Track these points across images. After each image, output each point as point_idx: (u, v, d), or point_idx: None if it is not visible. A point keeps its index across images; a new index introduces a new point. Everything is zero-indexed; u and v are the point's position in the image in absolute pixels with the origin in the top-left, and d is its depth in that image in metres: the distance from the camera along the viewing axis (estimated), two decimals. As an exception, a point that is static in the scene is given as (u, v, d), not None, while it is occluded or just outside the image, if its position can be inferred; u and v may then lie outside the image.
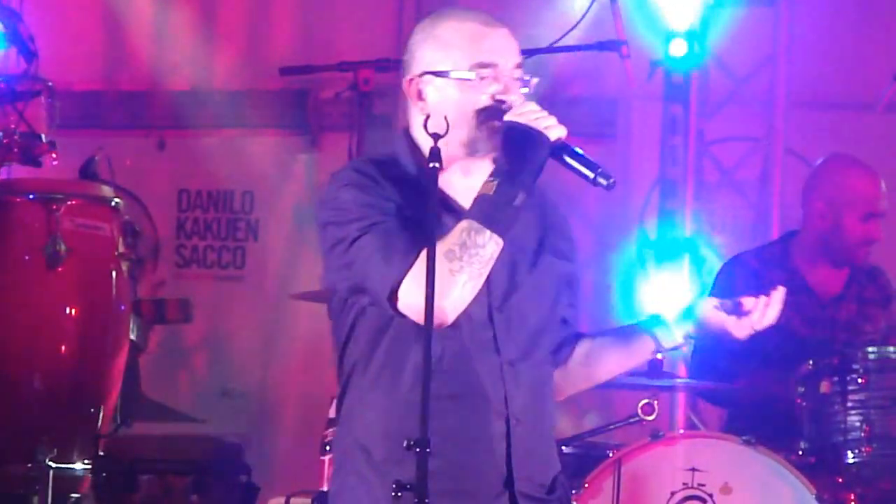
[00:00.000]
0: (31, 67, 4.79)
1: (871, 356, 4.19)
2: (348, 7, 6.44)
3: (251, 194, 6.60)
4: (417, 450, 2.62)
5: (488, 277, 2.70)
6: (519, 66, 2.80)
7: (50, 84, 4.80)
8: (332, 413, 4.19)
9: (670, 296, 5.95)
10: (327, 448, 3.92)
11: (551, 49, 4.32)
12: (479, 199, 2.69)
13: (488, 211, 2.66)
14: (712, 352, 4.70)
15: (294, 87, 6.34)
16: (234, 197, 6.56)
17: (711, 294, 4.80)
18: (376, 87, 4.15)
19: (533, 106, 2.76)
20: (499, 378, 2.73)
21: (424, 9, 6.47)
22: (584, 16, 3.99)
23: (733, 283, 4.74)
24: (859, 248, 4.67)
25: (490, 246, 2.67)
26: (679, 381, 4.34)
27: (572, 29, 4.07)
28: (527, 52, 4.45)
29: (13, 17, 4.91)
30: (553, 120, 2.76)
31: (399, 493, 2.65)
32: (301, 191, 6.55)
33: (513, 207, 2.68)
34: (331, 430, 4.10)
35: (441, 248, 2.63)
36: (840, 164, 4.88)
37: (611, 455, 4.16)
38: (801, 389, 4.24)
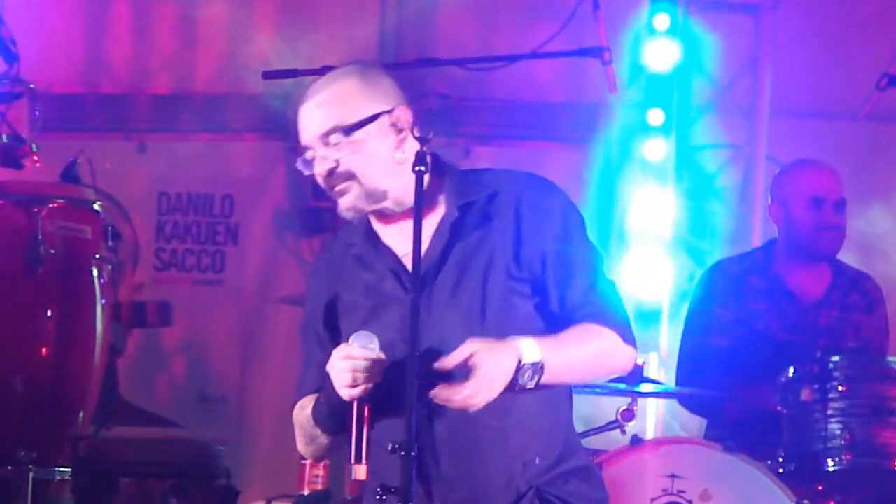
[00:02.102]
0: (13, 70, 4.78)
1: (852, 364, 4.19)
2: (330, 11, 6.43)
3: (231, 198, 6.58)
4: (402, 453, 2.69)
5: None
6: (325, 134, 2.88)
7: (32, 86, 4.79)
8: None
9: (651, 305, 5.98)
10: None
11: (534, 55, 4.34)
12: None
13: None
14: (696, 359, 4.72)
15: (275, 92, 6.33)
16: (214, 200, 6.54)
17: (694, 299, 4.84)
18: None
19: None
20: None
21: (406, 14, 6.49)
22: (567, 23, 3.99)
23: (714, 289, 4.76)
24: (818, 235, 4.66)
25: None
26: (659, 387, 4.34)
27: (555, 36, 4.08)
28: (509, 58, 4.50)
29: (-6, 20, 4.89)
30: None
31: (384, 497, 2.71)
32: (281, 195, 6.54)
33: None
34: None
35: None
36: (788, 165, 4.93)
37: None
38: (782, 397, 4.25)
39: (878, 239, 4.86)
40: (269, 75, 4.26)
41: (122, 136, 6.40)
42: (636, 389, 4.32)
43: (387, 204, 2.90)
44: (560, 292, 2.87)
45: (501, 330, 2.80)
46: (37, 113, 4.75)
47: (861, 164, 5.50)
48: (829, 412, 4.14)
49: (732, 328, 4.67)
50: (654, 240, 6.03)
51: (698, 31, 6.17)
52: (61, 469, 4.39)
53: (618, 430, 4.40)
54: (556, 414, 2.92)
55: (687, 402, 4.94)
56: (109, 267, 4.52)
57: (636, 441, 4.21)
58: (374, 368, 2.76)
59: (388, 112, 2.89)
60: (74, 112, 6.34)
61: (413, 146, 2.87)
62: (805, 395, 4.19)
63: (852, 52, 5.83)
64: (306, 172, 2.93)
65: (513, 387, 2.74)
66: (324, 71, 3.82)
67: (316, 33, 6.37)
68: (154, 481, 4.41)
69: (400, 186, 2.88)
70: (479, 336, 2.76)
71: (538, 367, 2.75)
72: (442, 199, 2.92)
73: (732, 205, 6.29)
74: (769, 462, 4.21)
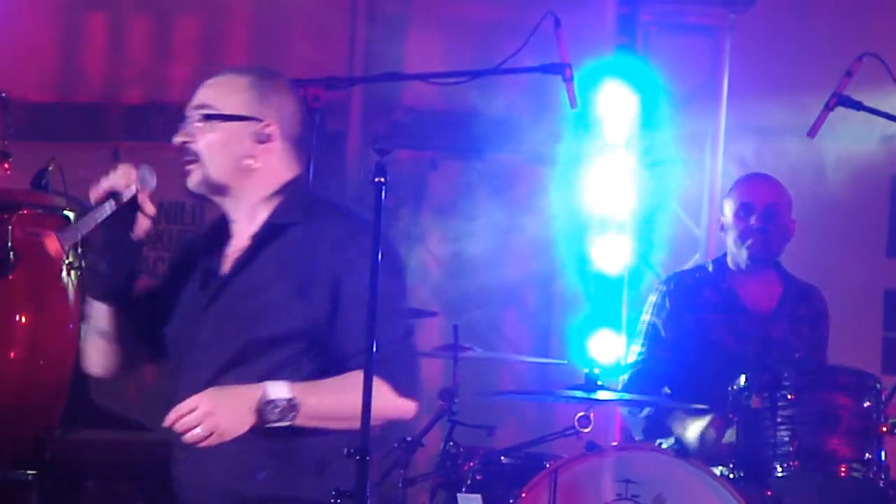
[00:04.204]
0: (-11, 85, 4.79)
1: (801, 373, 4.25)
2: (301, 25, 6.50)
3: (201, 206, 6.64)
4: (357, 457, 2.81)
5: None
6: (196, 107, 3.02)
7: (3, 95, 4.81)
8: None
9: (609, 312, 6.08)
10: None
11: (496, 70, 4.40)
12: None
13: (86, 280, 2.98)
14: (647, 369, 4.80)
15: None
16: (185, 208, 6.61)
17: (646, 310, 4.91)
18: (327, 104, 4.23)
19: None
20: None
21: (376, 26, 6.57)
22: (527, 40, 4.08)
23: (667, 301, 4.84)
24: (743, 241, 4.72)
25: (92, 308, 3.00)
26: (614, 395, 4.41)
27: (516, 53, 4.17)
28: (473, 73, 4.58)
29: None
30: (113, 179, 2.93)
31: (338, 501, 2.81)
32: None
33: (94, 273, 2.96)
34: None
35: None
36: (736, 180, 5.02)
37: (547, 466, 4.23)
38: (733, 405, 4.30)
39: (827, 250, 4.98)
40: None
41: (96, 145, 6.45)
42: (592, 397, 4.39)
43: (227, 202, 3.00)
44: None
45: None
46: (9, 121, 4.78)
47: (809, 179, 5.62)
48: (779, 420, 4.20)
49: (685, 339, 4.75)
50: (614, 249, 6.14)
51: (658, 51, 6.29)
52: (27, 472, 4.40)
53: (576, 436, 4.46)
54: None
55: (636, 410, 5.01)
56: (80, 273, 4.56)
57: (592, 447, 4.27)
58: None
59: (259, 121, 2.98)
60: (47, 121, 6.39)
61: (272, 161, 2.97)
62: (755, 402, 4.25)
63: (805, 72, 5.94)
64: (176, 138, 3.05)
65: (263, 423, 2.82)
66: (293, 84, 3.93)
67: (287, 46, 6.45)
68: (121, 483, 4.44)
69: (240, 189, 2.98)
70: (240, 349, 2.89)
71: (290, 405, 2.82)
72: (265, 213, 3.01)
73: (690, 218, 6.40)
74: (720, 468, 4.28)
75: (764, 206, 4.73)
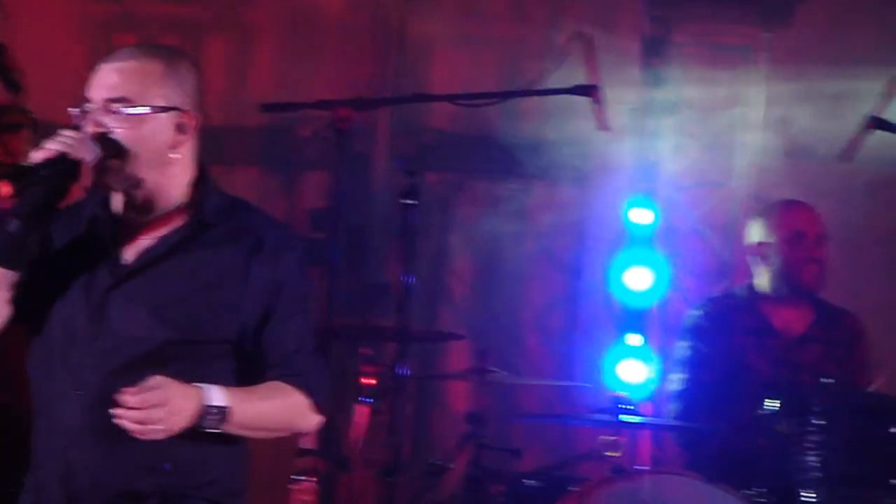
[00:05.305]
0: (17, 99, 4.82)
1: (831, 398, 4.25)
2: (329, 46, 6.53)
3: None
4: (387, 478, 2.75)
5: None
6: (111, 100, 2.84)
7: (34, 117, 4.85)
8: (302, 443, 4.27)
9: (637, 338, 6.06)
10: (296, 478, 3.99)
11: (526, 92, 4.41)
12: None
13: None
14: (686, 394, 4.79)
15: (274, 125, 6.42)
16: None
17: (682, 336, 4.91)
18: (354, 125, 4.24)
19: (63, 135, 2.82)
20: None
21: (408, 47, 6.60)
22: (559, 61, 4.08)
23: (700, 327, 4.84)
24: (801, 268, 4.74)
25: None
26: (643, 419, 4.41)
27: (547, 74, 4.17)
28: (502, 95, 4.60)
29: (0, 49, 4.95)
30: (59, 142, 2.79)
31: None
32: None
33: (6, 234, 2.78)
34: (300, 460, 4.17)
35: None
36: (769, 204, 5.03)
37: (574, 489, 4.24)
38: (762, 429, 4.31)
39: (869, 275, 4.95)
40: (267, 109, 4.34)
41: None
42: (621, 420, 4.39)
43: (136, 194, 2.86)
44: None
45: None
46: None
47: (841, 203, 5.58)
48: (808, 445, 4.20)
49: (718, 364, 4.75)
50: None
51: (691, 71, 6.28)
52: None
53: (602, 460, 4.46)
54: None
55: (676, 436, 4.98)
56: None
57: (619, 471, 4.27)
58: None
59: (179, 111, 2.88)
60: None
61: (188, 152, 2.88)
62: (784, 427, 4.25)
63: (838, 93, 5.92)
64: (75, 122, 2.87)
65: (197, 428, 2.75)
66: (319, 105, 3.94)
67: (315, 68, 6.48)
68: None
69: (156, 183, 2.86)
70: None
71: (224, 412, 2.76)
72: (181, 205, 2.91)
73: (718, 242, 6.38)
74: (749, 493, 4.27)
75: (816, 236, 4.76)
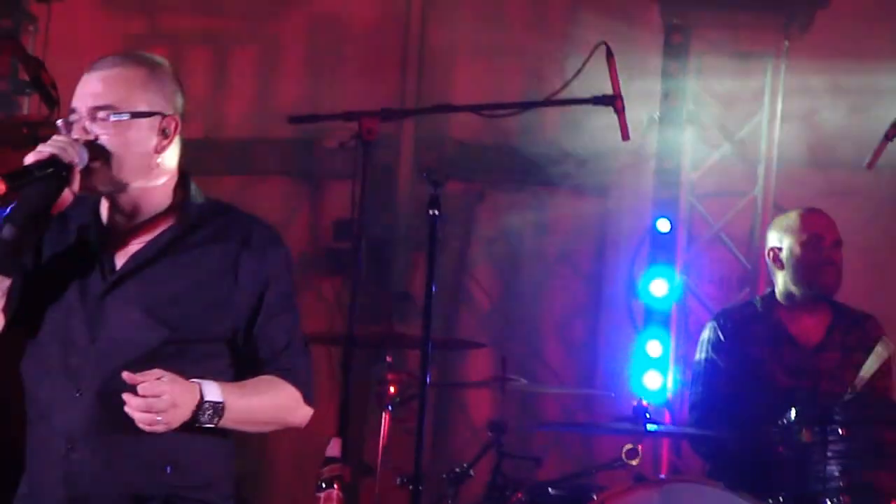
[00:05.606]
0: (53, 114, 4.86)
1: (852, 408, 4.27)
2: (354, 59, 6.58)
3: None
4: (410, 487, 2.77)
5: None
6: (97, 108, 2.89)
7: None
8: (328, 451, 4.30)
9: (658, 346, 6.07)
10: (323, 485, 4.02)
11: (547, 102, 4.42)
12: None
13: None
14: (704, 404, 4.81)
15: (301, 136, 6.47)
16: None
17: (700, 346, 4.92)
18: (379, 136, 4.28)
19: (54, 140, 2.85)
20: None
21: (430, 58, 6.64)
22: (579, 71, 4.10)
23: (718, 337, 4.86)
24: (818, 271, 4.76)
25: None
26: (662, 427, 4.42)
27: (567, 84, 4.19)
28: (523, 105, 4.62)
29: (36, 64, 5.01)
30: (53, 146, 2.83)
31: None
32: (303, 236, 6.67)
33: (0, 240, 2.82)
34: (326, 467, 4.20)
35: None
36: (785, 212, 5.04)
37: (594, 497, 4.26)
38: (784, 438, 4.31)
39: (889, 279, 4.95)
40: (294, 120, 4.36)
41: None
42: (642, 429, 4.41)
43: (123, 198, 2.91)
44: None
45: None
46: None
47: (864, 210, 5.60)
48: (829, 454, 4.21)
49: (737, 374, 4.76)
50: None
51: (711, 80, 6.30)
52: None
53: (623, 468, 4.48)
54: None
55: (696, 446, 5.00)
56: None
57: (639, 479, 4.29)
58: None
59: (162, 116, 2.93)
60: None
61: (172, 156, 2.93)
62: (805, 436, 4.25)
63: (861, 101, 5.93)
64: (62, 132, 2.91)
65: (193, 423, 2.80)
66: (345, 116, 3.97)
67: (340, 79, 6.53)
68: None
69: (142, 188, 2.91)
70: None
71: (220, 408, 2.81)
72: (167, 209, 2.96)
73: (740, 251, 6.39)
74: (770, 501, 4.28)
75: (832, 240, 4.78)
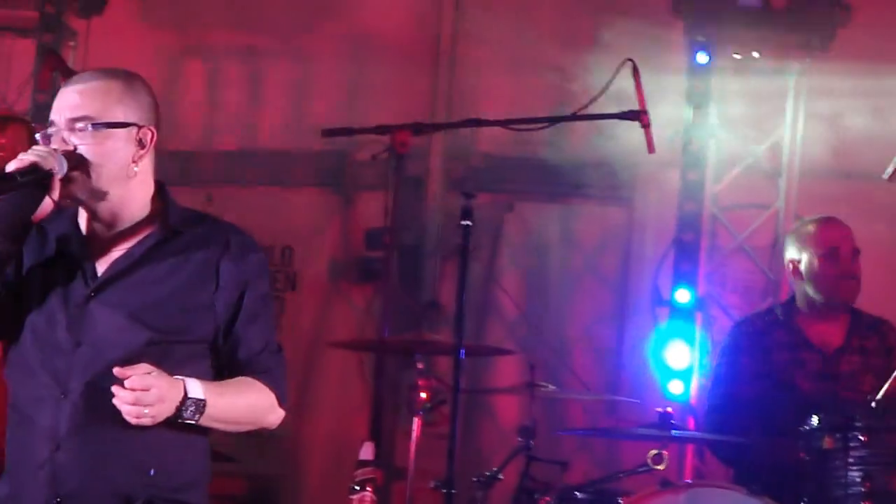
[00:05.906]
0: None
1: (874, 414, 4.29)
2: (386, 74, 6.65)
3: (290, 249, 6.81)
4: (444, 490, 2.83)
5: None
6: (75, 119, 2.95)
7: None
8: (361, 454, 4.39)
9: (681, 353, 6.14)
10: (356, 487, 4.09)
11: (575, 117, 4.48)
12: None
13: None
14: (723, 409, 4.87)
15: (333, 149, 6.56)
16: (275, 251, 6.78)
17: (721, 353, 5.00)
18: (410, 149, 4.35)
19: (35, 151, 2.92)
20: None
21: (456, 77, 6.73)
22: (606, 86, 4.18)
23: (739, 343, 4.93)
24: (837, 283, 4.81)
25: None
26: (688, 433, 4.46)
27: (595, 99, 4.27)
28: (551, 120, 4.69)
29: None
30: (29, 156, 2.89)
31: None
32: (336, 245, 6.76)
33: None
34: (360, 470, 4.28)
35: None
36: (801, 222, 5.09)
37: (621, 501, 4.33)
38: (805, 444, 4.35)
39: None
40: (327, 133, 4.42)
41: (190, 190, 6.61)
42: (667, 435, 4.48)
43: (102, 207, 2.97)
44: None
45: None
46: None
47: (885, 222, 5.62)
48: (851, 460, 4.25)
49: (757, 379, 4.82)
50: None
51: (733, 96, 6.37)
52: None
53: (648, 473, 4.54)
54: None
55: (716, 450, 5.06)
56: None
57: (665, 484, 4.35)
58: None
59: (139, 127, 2.98)
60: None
61: (148, 166, 2.99)
62: (827, 443, 4.29)
63: (882, 115, 5.99)
64: (41, 144, 2.95)
65: (176, 418, 2.85)
66: (378, 130, 4.06)
67: (372, 93, 6.62)
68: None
69: (121, 197, 2.97)
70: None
71: (202, 405, 2.89)
72: (144, 218, 3.01)
73: (762, 262, 6.44)
74: (792, 507, 4.32)
75: (850, 251, 4.83)
